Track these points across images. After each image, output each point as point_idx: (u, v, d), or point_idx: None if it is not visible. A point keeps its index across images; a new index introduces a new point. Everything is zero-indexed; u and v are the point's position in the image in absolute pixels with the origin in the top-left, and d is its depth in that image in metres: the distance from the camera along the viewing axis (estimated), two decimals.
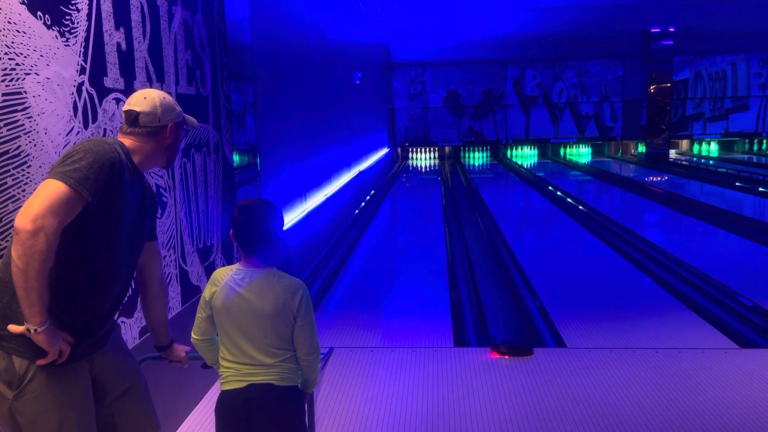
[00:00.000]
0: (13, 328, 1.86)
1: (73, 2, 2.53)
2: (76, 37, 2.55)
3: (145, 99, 2.11)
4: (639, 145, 21.51)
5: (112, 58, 2.82)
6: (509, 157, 22.89)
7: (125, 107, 2.12)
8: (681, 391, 3.82)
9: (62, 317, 1.94)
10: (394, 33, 18.24)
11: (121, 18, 2.92)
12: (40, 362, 1.89)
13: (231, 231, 2.22)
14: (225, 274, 2.21)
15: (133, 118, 2.09)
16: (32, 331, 1.82)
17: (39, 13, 2.32)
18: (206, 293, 2.22)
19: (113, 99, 2.82)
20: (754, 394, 3.77)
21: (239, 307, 2.15)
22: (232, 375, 2.20)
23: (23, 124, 2.23)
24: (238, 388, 2.17)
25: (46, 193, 1.79)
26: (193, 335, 2.28)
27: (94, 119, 2.66)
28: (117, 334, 2.29)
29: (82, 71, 2.59)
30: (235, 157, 4.61)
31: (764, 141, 22.99)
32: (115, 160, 1.94)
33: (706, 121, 22.85)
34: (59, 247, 1.82)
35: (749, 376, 4.02)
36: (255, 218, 2.17)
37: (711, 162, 19.89)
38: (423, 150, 23.39)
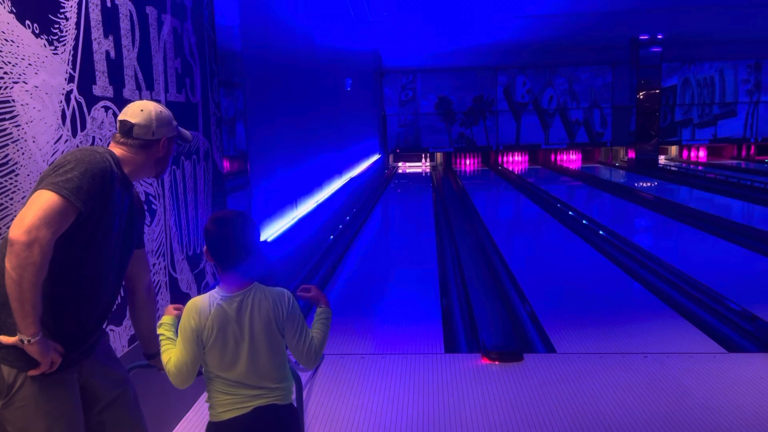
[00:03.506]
0: (5, 339, 1.86)
1: (61, 11, 2.54)
2: (64, 45, 2.55)
3: (142, 111, 2.09)
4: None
5: (101, 67, 2.82)
6: (500, 163, 22.98)
7: (121, 117, 2.11)
8: (670, 396, 3.84)
9: (52, 327, 1.94)
10: (385, 40, 18.31)
11: (110, 26, 2.93)
12: (32, 373, 1.89)
13: (204, 247, 2.08)
14: (208, 304, 2.04)
15: (127, 129, 2.08)
16: (25, 342, 1.83)
17: (27, 21, 2.32)
18: (192, 325, 2.03)
19: (102, 107, 2.82)
20: (741, 398, 3.80)
21: (237, 338, 2.03)
22: (235, 402, 2.08)
23: (11, 133, 2.22)
24: (243, 414, 2.07)
25: (39, 204, 1.79)
26: (175, 372, 2.06)
27: (83, 127, 2.66)
28: (106, 343, 2.28)
29: (71, 79, 2.59)
30: (225, 164, 4.61)
31: (752, 146, 23.18)
32: (107, 170, 1.94)
33: (695, 127, 23.01)
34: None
35: (737, 380, 4.05)
36: (233, 231, 2.04)
37: (700, 167, 20.04)
38: (414, 156, 23.43)
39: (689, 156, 23.43)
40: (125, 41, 3.07)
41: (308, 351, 2.13)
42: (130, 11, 3.12)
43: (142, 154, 2.11)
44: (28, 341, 1.82)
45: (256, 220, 5.45)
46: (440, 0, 13.03)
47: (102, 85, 2.83)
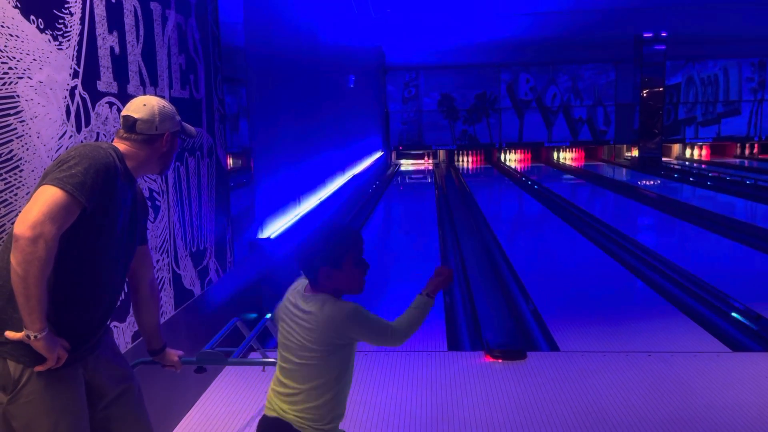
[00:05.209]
0: (12, 334, 1.86)
1: (66, 6, 2.53)
2: (69, 40, 2.54)
3: (145, 106, 2.10)
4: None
5: (105, 62, 2.82)
6: (503, 160, 22.96)
7: (124, 112, 2.12)
8: (673, 395, 3.83)
9: (56, 322, 1.93)
10: (388, 37, 18.29)
11: (115, 22, 2.92)
12: (39, 369, 1.89)
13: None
14: (293, 288, 2.14)
15: (130, 124, 2.09)
16: (32, 337, 1.83)
17: (32, 16, 2.32)
18: None
19: (106, 103, 2.81)
20: (745, 397, 3.79)
21: (288, 327, 2.06)
22: (269, 398, 2.10)
23: (16, 128, 2.22)
24: (268, 416, 2.07)
25: (44, 200, 1.79)
26: None
27: (87, 123, 2.66)
28: (110, 339, 2.28)
29: (75, 75, 2.58)
30: (229, 161, 4.61)
31: (756, 145, 23.13)
32: (110, 166, 1.94)
33: (698, 126, 22.97)
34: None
35: (741, 379, 4.04)
36: (305, 241, 2.10)
37: (703, 166, 20.00)
38: (417, 154, 23.41)
39: (692, 154, 23.38)
40: (130, 37, 3.07)
41: (387, 338, 2.17)
42: (134, 7, 3.12)
43: (145, 149, 2.11)
44: (35, 337, 1.82)
45: (258, 216, 5.46)
46: None
47: (106, 81, 2.82)
